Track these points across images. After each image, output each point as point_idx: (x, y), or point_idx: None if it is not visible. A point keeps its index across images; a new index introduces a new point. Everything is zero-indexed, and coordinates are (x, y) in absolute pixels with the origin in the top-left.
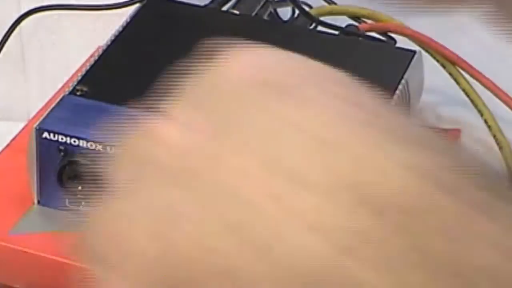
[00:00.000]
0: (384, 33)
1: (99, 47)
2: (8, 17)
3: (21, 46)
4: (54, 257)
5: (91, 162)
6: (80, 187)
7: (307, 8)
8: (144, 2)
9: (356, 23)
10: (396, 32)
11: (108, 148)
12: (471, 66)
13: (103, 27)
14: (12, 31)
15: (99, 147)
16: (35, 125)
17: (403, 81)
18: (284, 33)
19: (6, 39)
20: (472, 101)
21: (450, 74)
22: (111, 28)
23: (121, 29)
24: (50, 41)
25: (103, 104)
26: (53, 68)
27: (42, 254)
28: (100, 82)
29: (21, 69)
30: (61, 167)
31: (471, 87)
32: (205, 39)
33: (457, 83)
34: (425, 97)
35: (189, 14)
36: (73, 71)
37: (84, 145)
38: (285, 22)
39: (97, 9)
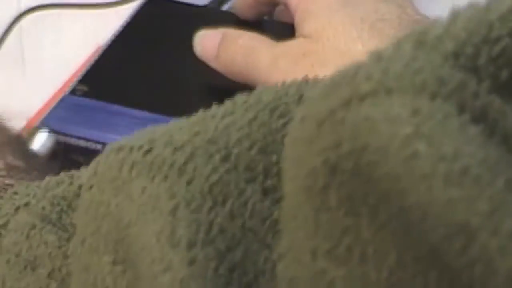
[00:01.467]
0: None
1: (99, 47)
2: (8, 15)
3: (20, 45)
4: None
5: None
6: None
7: None
8: (145, 1)
9: None
10: None
11: None
12: None
13: (103, 26)
14: (11, 29)
15: (99, 146)
16: (35, 125)
17: None
18: (284, 33)
19: (5, 37)
20: None
21: None
22: (111, 26)
23: (121, 28)
24: (49, 40)
25: (103, 104)
26: (52, 67)
27: None
28: (101, 82)
29: (21, 68)
30: (60, 166)
31: None
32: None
33: None
34: None
35: (189, 14)
36: (73, 70)
37: (84, 145)
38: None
39: (96, 7)
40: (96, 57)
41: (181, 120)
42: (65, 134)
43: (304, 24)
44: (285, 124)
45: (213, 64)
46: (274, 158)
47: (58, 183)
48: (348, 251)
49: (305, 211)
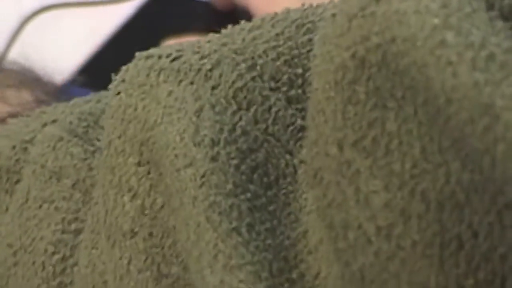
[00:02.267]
0: None
1: (98, 46)
2: (8, 16)
3: (21, 45)
4: None
5: None
6: None
7: None
8: None
9: None
10: None
11: None
12: None
13: (104, 24)
14: (19, 32)
15: None
16: None
17: None
18: None
19: (14, 40)
20: None
21: None
22: (112, 24)
23: (126, 22)
24: (50, 39)
25: None
26: (53, 67)
27: None
28: (101, 73)
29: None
30: None
31: None
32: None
33: None
34: None
35: (194, 9)
36: (74, 69)
37: None
38: None
39: (98, 4)
40: (98, 49)
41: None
42: None
43: None
44: (310, 40)
45: None
46: (299, 70)
47: (86, 101)
48: (373, 143)
49: (334, 105)
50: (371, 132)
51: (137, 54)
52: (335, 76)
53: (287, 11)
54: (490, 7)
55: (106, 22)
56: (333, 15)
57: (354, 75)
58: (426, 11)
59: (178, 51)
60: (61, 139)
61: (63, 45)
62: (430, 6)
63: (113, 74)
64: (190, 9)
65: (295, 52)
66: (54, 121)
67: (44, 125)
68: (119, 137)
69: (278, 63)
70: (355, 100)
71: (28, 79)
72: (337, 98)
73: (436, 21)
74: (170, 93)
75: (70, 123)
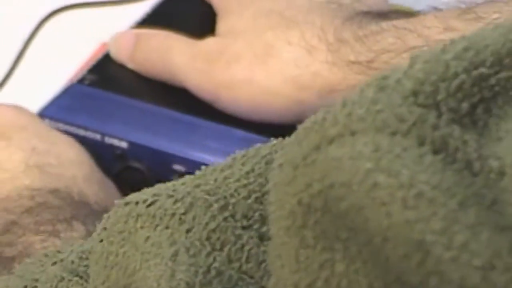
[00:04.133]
0: None
1: (103, 44)
2: (20, 20)
3: (34, 48)
4: None
5: (89, 151)
6: None
7: None
8: None
9: None
10: None
11: (106, 139)
12: None
13: (106, 26)
14: (35, 34)
15: (97, 136)
16: (37, 111)
17: None
18: None
19: (30, 41)
20: None
21: None
22: (115, 26)
23: (139, 21)
24: (51, 40)
25: (110, 94)
26: (55, 68)
27: None
28: (110, 73)
29: (23, 69)
30: None
31: None
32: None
33: None
34: None
35: (208, 10)
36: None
37: (83, 134)
38: None
39: (107, 5)
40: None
41: (184, 177)
42: (66, 122)
43: (219, 23)
44: None
45: (129, 65)
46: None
47: (89, 241)
48: (326, 284)
49: (287, 249)
50: (322, 274)
51: (116, 201)
52: (287, 222)
53: (258, 148)
54: (421, 142)
55: (119, 22)
56: (280, 164)
57: (303, 221)
58: (360, 156)
59: (154, 195)
60: (62, 279)
61: (78, 46)
62: (363, 151)
63: None
64: (203, 10)
65: (265, 188)
66: (62, 260)
67: (54, 263)
68: (103, 283)
69: (249, 201)
70: (305, 244)
71: (80, 212)
72: (290, 243)
73: (368, 165)
74: (147, 238)
75: (72, 262)
